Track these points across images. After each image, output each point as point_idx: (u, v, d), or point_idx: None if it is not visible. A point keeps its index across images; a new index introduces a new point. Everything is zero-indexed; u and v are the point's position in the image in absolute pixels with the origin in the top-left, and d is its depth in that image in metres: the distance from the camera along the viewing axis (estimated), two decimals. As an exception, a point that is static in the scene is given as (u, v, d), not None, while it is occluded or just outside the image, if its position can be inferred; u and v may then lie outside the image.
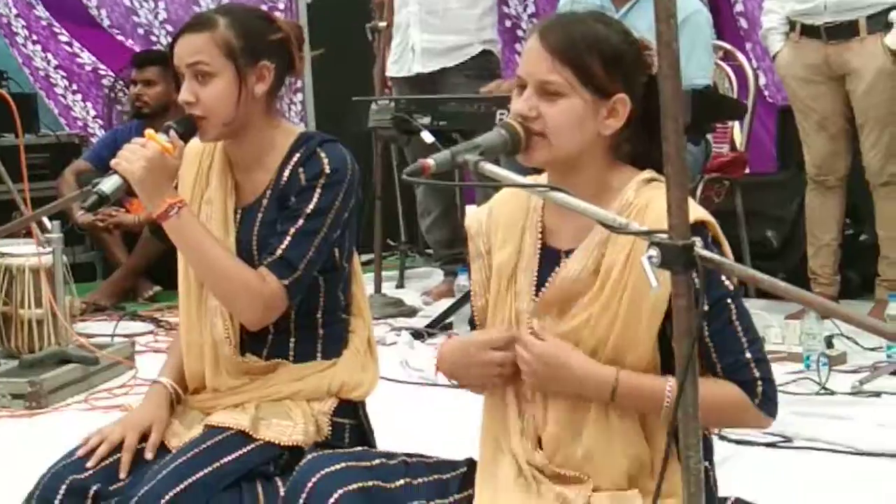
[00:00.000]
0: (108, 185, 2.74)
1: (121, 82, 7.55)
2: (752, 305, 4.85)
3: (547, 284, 2.37)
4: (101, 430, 2.83)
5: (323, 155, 2.84)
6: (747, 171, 6.86)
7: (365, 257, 6.10)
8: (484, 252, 2.50)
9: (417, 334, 5.10)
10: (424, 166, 2.17)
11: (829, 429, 3.61)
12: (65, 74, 7.90)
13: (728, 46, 6.20)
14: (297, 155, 2.86)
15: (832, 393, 4.03)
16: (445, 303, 5.56)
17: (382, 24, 6.04)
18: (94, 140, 7.39)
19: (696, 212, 2.26)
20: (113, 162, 2.79)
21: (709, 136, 5.23)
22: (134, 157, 2.75)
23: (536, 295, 2.38)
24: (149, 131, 2.81)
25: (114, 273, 6.35)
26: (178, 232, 2.79)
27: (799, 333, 4.39)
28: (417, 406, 4.18)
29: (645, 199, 2.29)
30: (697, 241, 1.91)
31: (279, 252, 2.79)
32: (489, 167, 2.19)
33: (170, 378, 2.98)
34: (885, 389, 4.00)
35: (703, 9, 5.26)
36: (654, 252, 1.88)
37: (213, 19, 2.83)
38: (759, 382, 2.25)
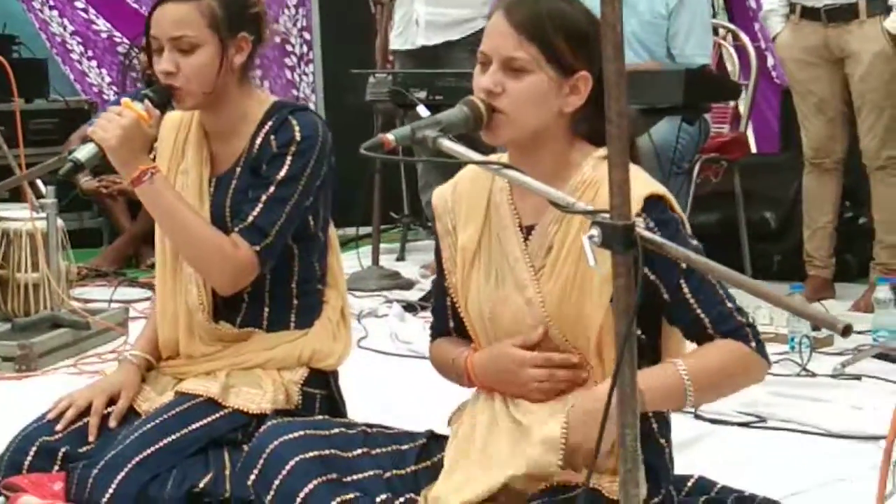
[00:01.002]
0: (84, 152, 2.78)
1: (135, 50, 7.57)
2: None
3: None
4: (71, 394, 2.88)
5: (294, 122, 2.88)
6: (754, 151, 6.88)
7: (365, 230, 6.14)
8: (451, 229, 2.53)
9: (410, 307, 5.12)
10: (384, 141, 2.19)
11: (805, 410, 3.60)
12: (80, 40, 7.92)
13: (731, 27, 6.20)
14: (270, 123, 2.90)
15: (813, 375, 4.01)
16: (444, 276, 5.57)
17: (385, -3, 6.05)
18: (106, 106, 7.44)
19: (651, 186, 2.30)
20: (88, 130, 2.83)
21: (707, 117, 5.22)
22: (110, 125, 2.79)
23: None
24: (125, 99, 2.86)
25: (117, 239, 6.40)
26: (151, 197, 2.83)
27: (787, 315, 4.39)
28: (404, 379, 4.19)
29: (601, 174, 2.31)
30: (639, 221, 1.93)
31: (250, 219, 2.83)
32: (447, 144, 2.21)
33: (144, 346, 3.03)
34: (865, 373, 3.98)
35: None
36: (595, 231, 1.89)
37: None
38: (748, 328, 2.28)
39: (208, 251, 2.84)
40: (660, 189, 2.32)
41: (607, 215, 1.91)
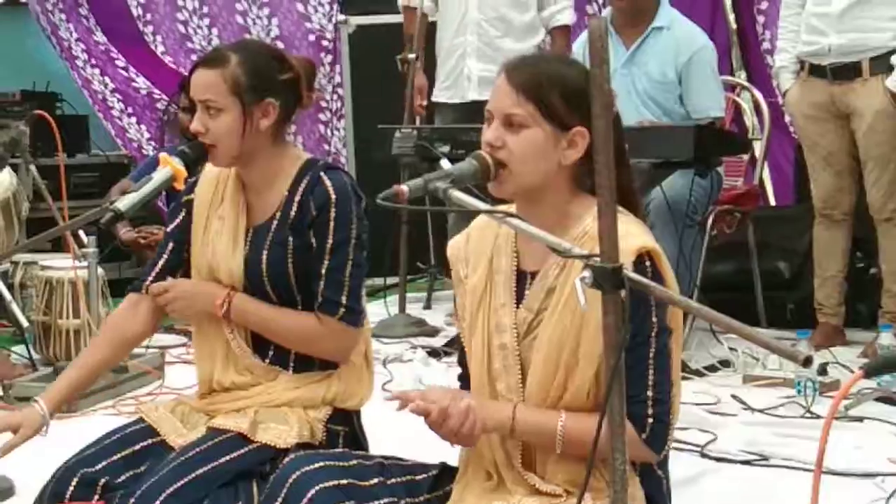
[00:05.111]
0: (124, 202, 2.99)
1: (173, 106, 7.82)
2: (756, 334, 5.01)
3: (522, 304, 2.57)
4: None
5: (327, 182, 3.07)
6: (773, 202, 7.05)
7: (393, 280, 6.34)
8: (462, 278, 2.69)
9: (434, 352, 5.31)
10: (399, 192, 2.34)
11: (807, 449, 3.73)
12: (121, 98, 8.17)
13: (746, 83, 6.40)
14: (305, 181, 3.09)
15: (817, 417, 4.19)
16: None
17: (412, 56, 6.26)
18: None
19: (642, 240, 2.43)
20: (169, 308, 3.14)
21: (720, 170, 5.40)
22: (178, 302, 3.12)
23: (516, 310, 2.55)
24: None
25: (154, 289, 6.59)
26: (240, 319, 3.10)
27: (795, 361, 4.54)
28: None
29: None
30: (627, 264, 2.10)
31: (320, 296, 3.06)
32: (456, 194, 2.38)
33: (56, 395, 3.20)
34: (867, 415, 4.14)
35: (709, 43, 5.50)
36: (587, 273, 2.07)
37: (226, 56, 3.06)
38: (650, 420, 2.42)
39: (303, 337, 3.10)
40: (651, 245, 2.43)
41: (598, 259, 2.09)
